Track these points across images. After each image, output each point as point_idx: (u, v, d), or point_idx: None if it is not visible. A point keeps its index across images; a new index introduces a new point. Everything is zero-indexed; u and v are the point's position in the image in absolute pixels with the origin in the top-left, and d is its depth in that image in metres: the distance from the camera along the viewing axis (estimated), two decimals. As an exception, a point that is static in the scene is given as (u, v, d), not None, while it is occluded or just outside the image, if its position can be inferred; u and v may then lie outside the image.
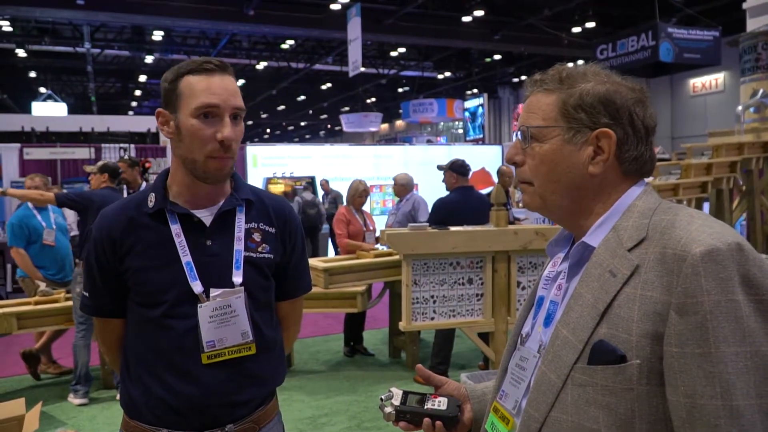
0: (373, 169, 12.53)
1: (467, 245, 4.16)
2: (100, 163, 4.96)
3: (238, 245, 1.42)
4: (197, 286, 1.37)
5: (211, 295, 1.38)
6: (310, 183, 11.43)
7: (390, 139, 29.04)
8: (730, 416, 0.77)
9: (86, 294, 1.49)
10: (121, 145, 10.93)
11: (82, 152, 10.39)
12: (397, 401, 1.16)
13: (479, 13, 14.08)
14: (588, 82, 0.98)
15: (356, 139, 24.26)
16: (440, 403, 1.15)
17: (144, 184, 5.50)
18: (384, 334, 5.98)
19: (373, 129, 22.44)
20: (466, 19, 14.53)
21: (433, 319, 4.19)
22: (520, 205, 4.34)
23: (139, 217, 1.42)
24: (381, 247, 5.67)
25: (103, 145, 11.01)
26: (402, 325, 4.24)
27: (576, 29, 15.18)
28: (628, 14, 14.62)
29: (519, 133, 1.03)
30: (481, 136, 20.22)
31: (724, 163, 6.22)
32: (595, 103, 0.96)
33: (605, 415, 0.85)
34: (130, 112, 26.88)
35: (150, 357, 1.39)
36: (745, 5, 8.48)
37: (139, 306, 1.41)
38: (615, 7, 14.62)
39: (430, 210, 5.28)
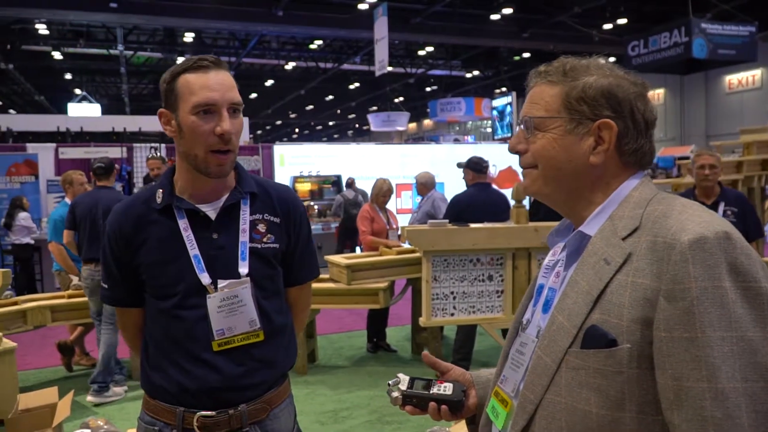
0: (400, 168, 12.54)
1: (487, 242, 4.17)
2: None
3: (243, 237, 1.49)
4: (205, 278, 1.45)
5: (218, 286, 1.45)
6: (337, 181, 11.52)
7: (418, 138, 29.03)
8: (715, 398, 0.79)
9: (105, 286, 1.58)
10: (152, 144, 11.19)
11: (114, 152, 10.67)
12: (403, 386, 1.19)
13: (508, 10, 14.00)
14: (591, 75, 1.00)
15: (384, 138, 24.31)
16: (446, 388, 1.18)
17: None
18: (407, 330, 6.01)
19: (400, 128, 22.48)
20: (495, 17, 14.46)
21: (453, 315, 4.21)
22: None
23: (149, 213, 1.49)
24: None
25: (134, 144, 11.27)
26: (422, 321, 4.26)
27: (607, 26, 14.99)
28: (661, 10, 14.38)
29: (522, 123, 1.06)
30: (509, 134, 20.06)
31: (756, 161, 6.10)
32: (598, 95, 0.98)
33: (597, 397, 0.88)
34: (162, 112, 27.31)
35: (166, 344, 1.48)
36: (780, -1, 8.27)
37: (152, 298, 1.50)
38: (647, 3, 14.40)
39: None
